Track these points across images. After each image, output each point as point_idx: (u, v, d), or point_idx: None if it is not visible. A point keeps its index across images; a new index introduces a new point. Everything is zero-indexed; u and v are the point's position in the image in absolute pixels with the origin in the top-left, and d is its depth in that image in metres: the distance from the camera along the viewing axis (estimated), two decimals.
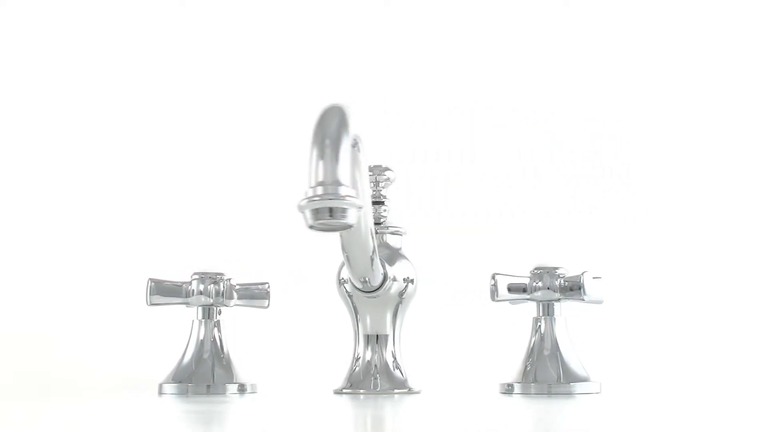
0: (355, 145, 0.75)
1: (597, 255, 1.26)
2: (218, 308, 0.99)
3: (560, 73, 1.33)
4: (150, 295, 0.97)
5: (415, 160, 1.27)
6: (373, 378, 0.94)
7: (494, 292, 0.91)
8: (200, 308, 0.98)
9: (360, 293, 0.93)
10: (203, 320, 0.98)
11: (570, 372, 0.91)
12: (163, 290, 0.97)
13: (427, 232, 1.17)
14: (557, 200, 1.30)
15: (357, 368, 0.95)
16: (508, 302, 0.92)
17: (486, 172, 1.29)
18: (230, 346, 0.99)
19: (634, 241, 1.29)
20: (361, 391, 0.93)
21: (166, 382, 0.96)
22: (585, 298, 0.91)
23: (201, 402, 0.84)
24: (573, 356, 0.93)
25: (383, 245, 0.96)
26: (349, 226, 0.69)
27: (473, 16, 1.33)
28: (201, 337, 0.98)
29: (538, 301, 0.92)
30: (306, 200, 0.66)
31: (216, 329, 0.98)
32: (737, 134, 1.32)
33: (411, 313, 0.98)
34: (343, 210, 0.67)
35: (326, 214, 0.66)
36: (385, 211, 0.97)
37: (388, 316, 0.95)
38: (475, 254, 1.21)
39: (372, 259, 0.86)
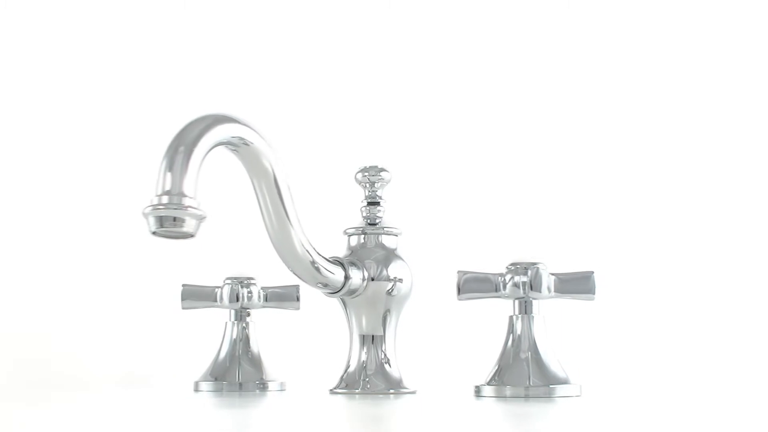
0: (241, 143, 0.78)
1: (595, 254, 1.22)
2: (247, 310, 1.04)
3: (559, 73, 1.33)
4: (183, 299, 1.04)
5: (414, 160, 1.25)
6: (366, 378, 0.95)
7: (459, 289, 0.89)
8: (232, 311, 1.04)
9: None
10: (235, 322, 1.04)
11: (549, 373, 0.86)
12: (195, 295, 1.05)
13: (426, 232, 1.15)
14: (555, 200, 1.28)
15: (352, 368, 0.96)
16: (475, 300, 0.89)
17: (484, 172, 1.26)
18: (260, 346, 1.04)
19: (627, 240, 1.29)
20: (357, 390, 0.94)
21: (203, 380, 1.03)
22: (534, 295, 0.86)
23: (235, 398, 0.89)
24: (552, 357, 0.88)
25: (378, 246, 0.96)
26: (191, 236, 0.72)
27: (473, 17, 1.32)
28: (233, 338, 1.04)
29: (506, 298, 0.88)
30: (150, 207, 0.70)
31: (246, 330, 1.04)
32: (727, 132, 1.31)
33: (407, 313, 0.97)
34: (185, 220, 0.70)
35: (170, 223, 0.70)
36: (380, 211, 0.97)
37: (381, 317, 0.96)
38: (474, 254, 1.17)
39: (316, 268, 0.87)
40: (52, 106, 1.37)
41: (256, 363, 1.03)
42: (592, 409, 0.74)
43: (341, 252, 0.96)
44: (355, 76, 1.33)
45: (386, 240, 0.97)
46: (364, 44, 1.34)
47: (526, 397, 0.85)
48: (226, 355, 1.04)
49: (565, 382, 0.86)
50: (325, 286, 0.90)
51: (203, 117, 0.75)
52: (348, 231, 0.97)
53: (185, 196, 0.70)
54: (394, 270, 0.95)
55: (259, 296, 1.04)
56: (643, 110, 1.32)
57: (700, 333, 1.24)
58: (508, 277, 0.88)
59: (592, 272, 0.87)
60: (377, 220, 0.97)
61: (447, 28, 1.33)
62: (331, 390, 0.95)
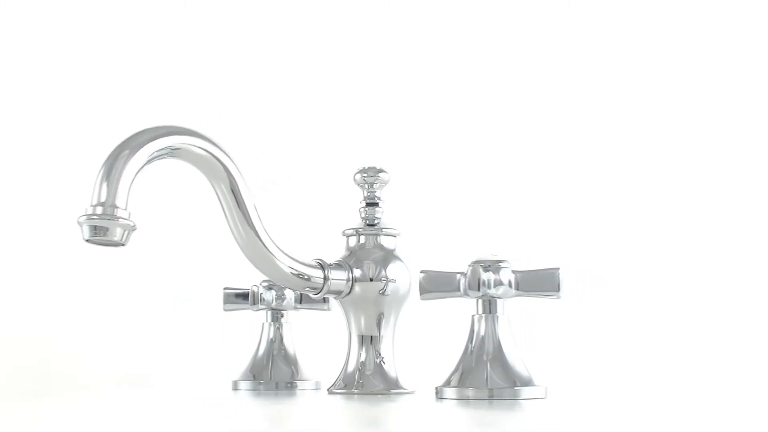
0: (185, 155, 0.82)
1: (592, 253, 1.17)
2: (281, 312, 1.08)
3: (556, 74, 1.35)
4: (225, 302, 1.10)
5: (413, 161, 1.21)
6: (362, 378, 0.95)
7: (421, 289, 0.87)
8: (269, 312, 1.08)
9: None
10: (272, 323, 1.08)
11: (514, 375, 0.83)
12: (236, 297, 1.10)
13: (425, 232, 1.12)
14: (551, 199, 1.27)
15: (350, 368, 0.96)
16: (439, 299, 0.87)
17: (483, 171, 1.24)
18: (296, 346, 1.07)
19: (611, 239, 1.32)
20: (355, 390, 0.95)
21: (241, 379, 1.07)
22: (493, 293, 0.83)
23: (274, 396, 0.95)
24: (517, 358, 0.84)
25: (377, 246, 0.96)
26: (122, 244, 0.77)
27: (472, 19, 1.32)
28: (270, 338, 1.08)
29: (470, 297, 0.85)
30: (85, 217, 0.76)
31: (280, 331, 1.08)
32: (696, 127, 1.35)
33: (406, 313, 0.96)
34: (115, 230, 0.76)
35: (101, 231, 0.76)
36: (379, 212, 0.97)
37: (378, 317, 0.96)
38: (472, 253, 1.11)
39: (295, 276, 0.90)
40: (53, 105, 1.43)
41: (290, 362, 1.06)
42: (557, 412, 0.72)
43: (340, 253, 0.97)
44: (354, 78, 1.34)
45: (385, 241, 0.97)
46: (363, 45, 1.35)
47: (490, 399, 0.82)
48: (262, 356, 1.07)
49: (530, 383, 0.82)
50: (313, 288, 0.92)
51: (144, 130, 0.79)
52: (347, 232, 0.98)
53: (117, 207, 0.76)
54: (392, 271, 0.95)
55: (292, 298, 1.07)
56: (627, 112, 1.36)
57: (668, 332, 1.22)
58: (469, 275, 0.85)
59: (558, 269, 0.83)
60: (376, 221, 0.97)
61: (446, 30, 1.34)
62: (329, 390, 0.97)
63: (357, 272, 0.94)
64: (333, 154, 1.33)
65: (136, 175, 0.77)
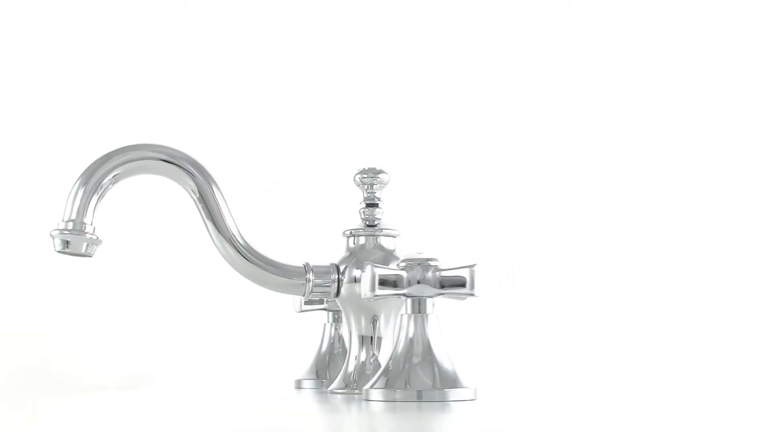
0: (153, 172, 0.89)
1: (591, 252, 1.17)
2: (340, 312, 1.09)
3: (554, 73, 1.36)
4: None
5: (412, 161, 1.22)
6: (362, 378, 0.95)
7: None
8: (329, 313, 1.11)
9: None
10: (333, 323, 1.11)
11: (443, 376, 0.81)
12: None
13: (425, 233, 1.12)
14: (547, 197, 1.25)
15: (350, 368, 0.97)
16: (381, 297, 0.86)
17: (482, 172, 1.22)
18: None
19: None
20: (355, 391, 0.95)
21: (304, 378, 1.10)
22: (412, 291, 0.82)
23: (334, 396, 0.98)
24: (446, 358, 0.82)
25: (377, 247, 0.97)
26: (90, 256, 0.87)
27: (472, 20, 1.31)
28: (330, 338, 1.11)
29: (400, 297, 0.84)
30: (57, 231, 0.86)
31: (339, 331, 1.11)
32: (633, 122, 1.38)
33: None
34: (81, 244, 0.86)
35: (71, 245, 0.86)
36: (379, 213, 0.98)
37: (374, 318, 0.96)
38: (472, 251, 1.11)
39: (276, 279, 0.93)
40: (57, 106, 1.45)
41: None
42: (486, 414, 0.72)
43: (340, 254, 0.97)
44: (353, 79, 1.34)
45: (384, 241, 0.97)
46: (362, 46, 1.35)
47: (418, 401, 0.81)
48: (323, 355, 1.11)
49: (459, 384, 0.81)
50: (297, 290, 0.93)
51: (114, 151, 0.88)
52: (346, 233, 0.98)
53: (84, 223, 0.86)
54: None
55: None
56: (627, 114, 1.37)
57: (599, 333, 1.24)
58: (392, 275, 0.84)
59: (474, 265, 0.80)
60: (376, 222, 0.98)
61: (444, 32, 1.33)
62: (330, 390, 0.97)
63: (357, 273, 0.95)
64: (333, 154, 1.33)
65: (104, 193, 0.87)
